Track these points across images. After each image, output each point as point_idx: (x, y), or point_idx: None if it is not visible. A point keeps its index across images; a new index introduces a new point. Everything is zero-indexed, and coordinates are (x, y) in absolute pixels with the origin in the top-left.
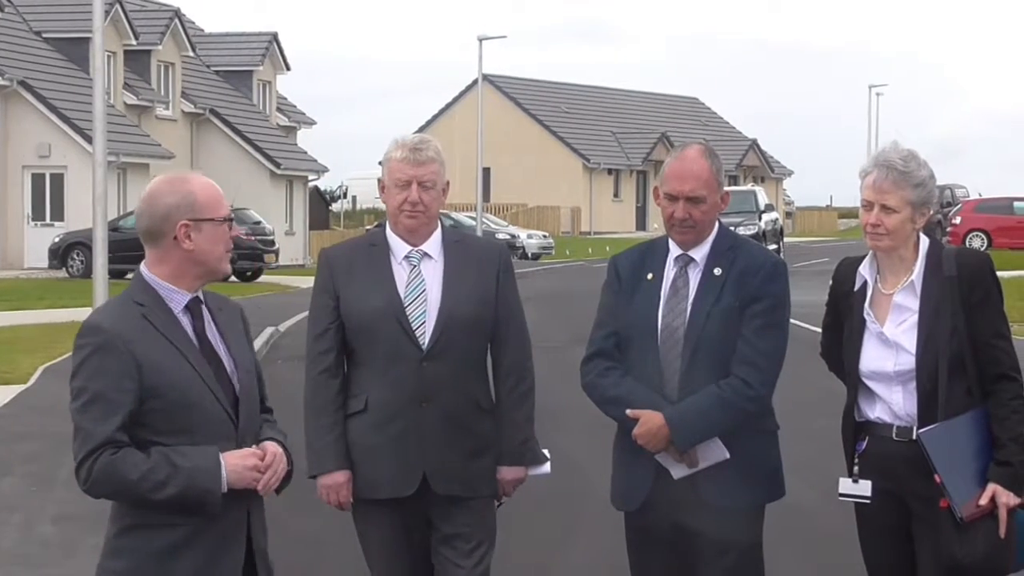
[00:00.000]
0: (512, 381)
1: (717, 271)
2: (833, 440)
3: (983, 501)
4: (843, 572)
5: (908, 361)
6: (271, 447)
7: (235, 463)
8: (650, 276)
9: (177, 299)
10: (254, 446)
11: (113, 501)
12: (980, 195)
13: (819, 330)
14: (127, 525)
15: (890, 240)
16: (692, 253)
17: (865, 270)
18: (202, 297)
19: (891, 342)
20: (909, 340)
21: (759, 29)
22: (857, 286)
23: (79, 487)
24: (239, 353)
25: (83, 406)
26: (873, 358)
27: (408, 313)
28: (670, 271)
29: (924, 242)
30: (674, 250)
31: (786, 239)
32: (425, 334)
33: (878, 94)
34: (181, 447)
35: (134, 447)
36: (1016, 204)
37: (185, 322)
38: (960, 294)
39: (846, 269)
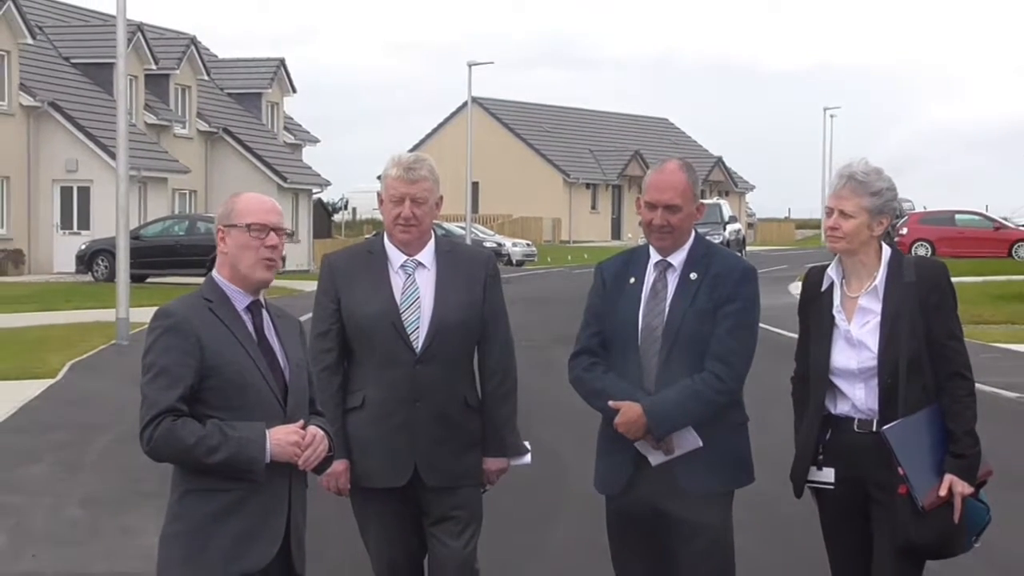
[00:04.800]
0: (497, 380)
1: (693, 275)
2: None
3: (943, 492)
4: (805, 553)
5: (870, 359)
6: (313, 429)
7: (279, 438)
8: (632, 280)
9: (240, 299)
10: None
11: (173, 467)
12: (925, 208)
13: (779, 331)
14: (184, 491)
15: (846, 243)
16: (671, 259)
17: (832, 271)
18: (264, 303)
19: (856, 341)
20: (872, 340)
21: (724, 54)
22: (824, 287)
23: (142, 449)
24: (293, 354)
25: (151, 378)
26: (838, 356)
27: (403, 319)
28: (650, 275)
29: (886, 251)
30: (654, 256)
31: (748, 248)
32: (419, 339)
33: (832, 116)
34: (233, 421)
35: (192, 418)
36: (957, 216)
37: (246, 319)
38: (919, 298)
39: (813, 277)
